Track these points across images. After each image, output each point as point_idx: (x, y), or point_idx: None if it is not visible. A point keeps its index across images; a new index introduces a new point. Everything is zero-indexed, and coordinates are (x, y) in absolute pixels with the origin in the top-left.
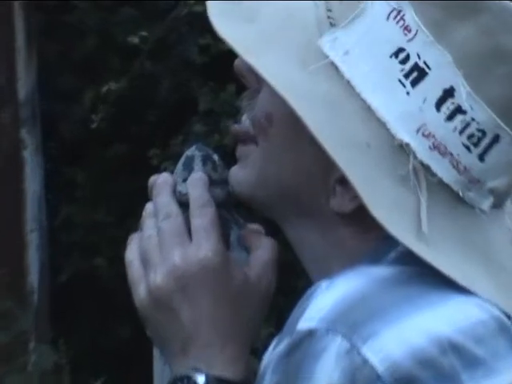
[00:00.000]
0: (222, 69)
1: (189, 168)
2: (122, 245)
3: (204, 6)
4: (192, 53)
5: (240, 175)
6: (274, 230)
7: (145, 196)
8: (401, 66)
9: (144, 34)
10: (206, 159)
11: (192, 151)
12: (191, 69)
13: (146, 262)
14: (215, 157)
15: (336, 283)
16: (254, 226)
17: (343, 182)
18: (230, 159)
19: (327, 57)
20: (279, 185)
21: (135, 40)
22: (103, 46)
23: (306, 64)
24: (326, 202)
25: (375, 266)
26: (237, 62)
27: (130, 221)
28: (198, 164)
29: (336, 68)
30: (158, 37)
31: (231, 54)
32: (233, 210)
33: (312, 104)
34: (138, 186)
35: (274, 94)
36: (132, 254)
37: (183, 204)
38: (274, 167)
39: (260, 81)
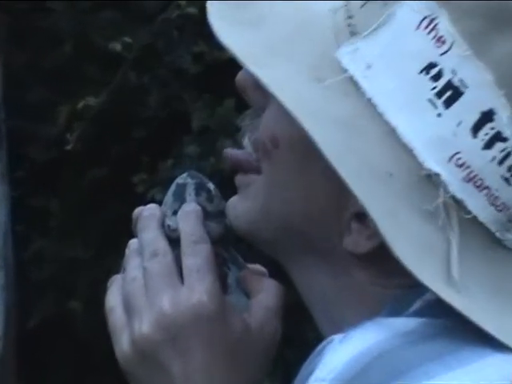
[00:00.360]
0: (219, 80)
1: (180, 198)
2: (101, 286)
3: (198, 7)
4: (184, 61)
5: (239, 207)
6: (278, 270)
7: (128, 230)
8: (432, 84)
9: (128, 39)
10: (199, 188)
11: (184, 178)
12: (183, 80)
13: (129, 308)
14: (210, 185)
15: (351, 337)
16: (256, 267)
17: (360, 217)
18: (227, 187)
19: (346, 71)
20: (284, 219)
21: (117, 47)
22: (80, 54)
23: (321, 78)
24: (339, 241)
25: (397, 318)
26: (240, 75)
27: (111, 259)
28: (190, 194)
29: (356, 84)
30: (144, 43)
31: (230, 63)
32: (231, 247)
33: (326, 125)
34: (120, 217)
35: (282, 113)
36: (113, 298)
37: (173, 240)
38: (278, 198)
39: (266, 98)
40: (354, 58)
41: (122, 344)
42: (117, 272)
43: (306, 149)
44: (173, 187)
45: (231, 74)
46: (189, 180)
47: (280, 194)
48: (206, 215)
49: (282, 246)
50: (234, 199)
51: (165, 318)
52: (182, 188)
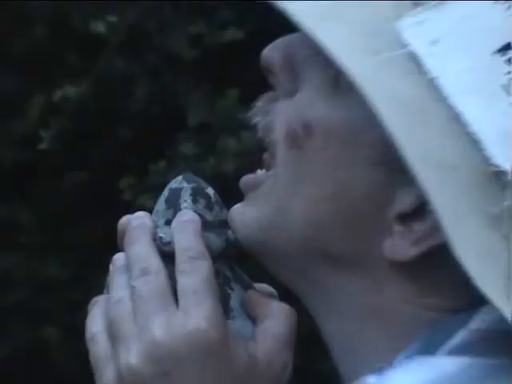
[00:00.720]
0: (220, 67)
1: (174, 206)
2: (81, 310)
3: None
4: (179, 45)
5: (248, 213)
6: (290, 290)
7: (114, 243)
8: (507, 67)
9: (112, 19)
10: (197, 193)
11: (178, 183)
12: (178, 67)
13: (114, 336)
14: (210, 191)
15: (389, 378)
16: (264, 287)
17: (405, 218)
18: (230, 193)
19: (407, 45)
20: (309, 221)
21: (100, 27)
22: (56, 37)
23: (377, 51)
24: (375, 246)
25: (441, 356)
26: (268, 51)
27: (93, 279)
28: (186, 200)
29: (418, 61)
30: (131, 23)
31: (232, 47)
32: (234, 263)
33: (390, 105)
34: (104, 229)
35: (321, 96)
36: (96, 323)
37: (166, 255)
38: (303, 196)
39: (298, 78)
40: (418, 31)
41: (106, 378)
42: (99, 293)
43: (346, 137)
44: (165, 193)
45: (234, 60)
46: (184, 184)
47: (306, 190)
48: (205, 226)
49: (299, 258)
50: (238, 206)
51: (156, 347)
52: (176, 194)
